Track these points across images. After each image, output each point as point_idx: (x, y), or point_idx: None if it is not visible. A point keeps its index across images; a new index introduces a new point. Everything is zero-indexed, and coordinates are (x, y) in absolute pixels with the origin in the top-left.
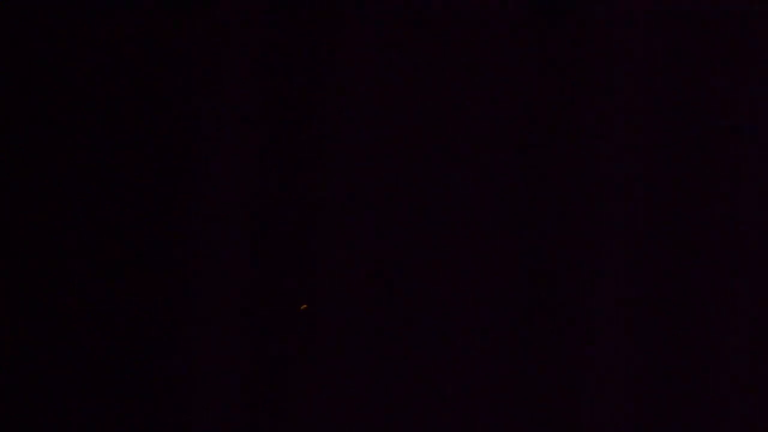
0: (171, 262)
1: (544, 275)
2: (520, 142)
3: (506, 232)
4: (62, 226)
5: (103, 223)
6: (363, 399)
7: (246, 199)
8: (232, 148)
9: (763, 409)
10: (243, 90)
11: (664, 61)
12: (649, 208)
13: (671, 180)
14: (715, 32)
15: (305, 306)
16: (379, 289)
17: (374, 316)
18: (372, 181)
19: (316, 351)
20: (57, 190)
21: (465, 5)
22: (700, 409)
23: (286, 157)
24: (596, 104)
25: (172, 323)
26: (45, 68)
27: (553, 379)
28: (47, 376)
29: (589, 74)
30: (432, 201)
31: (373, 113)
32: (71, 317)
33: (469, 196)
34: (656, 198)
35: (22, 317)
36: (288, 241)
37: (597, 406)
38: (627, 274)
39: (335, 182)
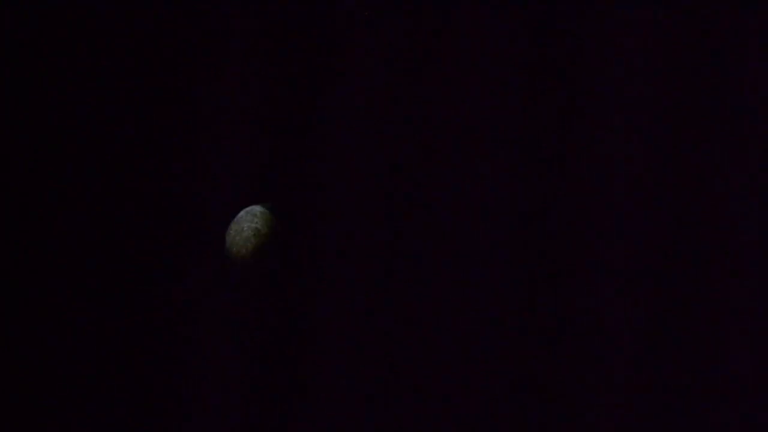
0: (170, 262)
1: (544, 275)
2: (520, 142)
3: (506, 231)
4: (61, 227)
5: (102, 223)
6: (363, 400)
7: (245, 199)
8: (231, 149)
9: (764, 409)
10: (242, 89)
11: (665, 61)
12: (650, 208)
13: (672, 180)
14: (715, 32)
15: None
16: (381, 289)
17: (375, 315)
18: (372, 182)
19: (317, 352)
20: (56, 190)
21: (467, 8)
22: (701, 410)
23: (287, 157)
24: (597, 105)
25: (172, 324)
26: (45, 68)
27: (553, 380)
28: (46, 377)
29: (589, 74)
30: (432, 201)
31: (374, 112)
32: (69, 321)
33: (469, 197)
34: (657, 198)
35: (22, 317)
36: (289, 242)
37: (597, 406)
38: (627, 274)
39: (336, 182)
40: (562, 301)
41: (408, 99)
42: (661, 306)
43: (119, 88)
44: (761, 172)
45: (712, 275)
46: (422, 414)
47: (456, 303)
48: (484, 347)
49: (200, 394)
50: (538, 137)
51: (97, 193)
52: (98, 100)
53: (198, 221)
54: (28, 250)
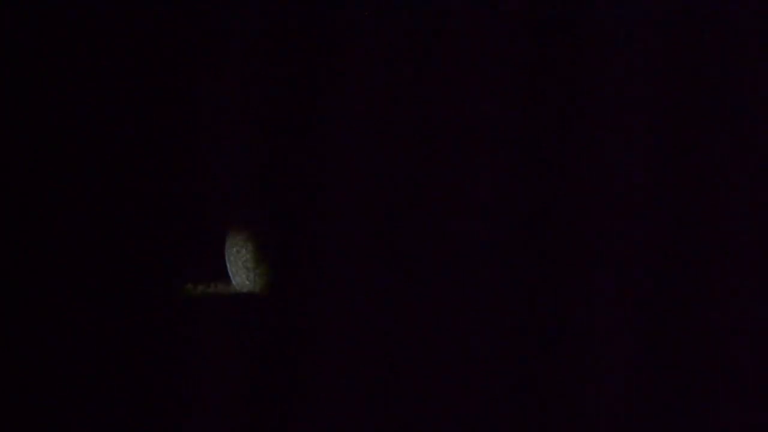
0: (170, 262)
1: (544, 275)
2: (520, 142)
3: (506, 231)
4: (61, 227)
5: (102, 223)
6: (363, 400)
7: (245, 199)
8: (231, 149)
9: (764, 409)
10: (242, 89)
11: (665, 61)
12: (650, 209)
13: (672, 180)
14: (715, 32)
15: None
16: (381, 290)
17: (376, 316)
18: (372, 182)
19: (317, 352)
20: (55, 190)
21: (467, 8)
22: (701, 410)
23: (287, 157)
24: (597, 105)
25: (172, 324)
26: (45, 68)
27: (553, 380)
28: (46, 377)
29: (590, 74)
30: (433, 201)
31: (375, 112)
32: (69, 321)
33: (469, 197)
34: (657, 198)
35: (22, 317)
36: (289, 245)
37: (597, 406)
38: (628, 274)
39: (336, 180)
40: (562, 301)
41: (408, 99)
42: (661, 306)
43: (119, 88)
44: (761, 172)
45: (712, 275)
46: (422, 414)
47: (456, 303)
48: (484, 347)
49: (200, 394)
50: (538, 137)
51: (96, 193)
52: (98, 100)
53: (198, 221)
54: (28, 250)
